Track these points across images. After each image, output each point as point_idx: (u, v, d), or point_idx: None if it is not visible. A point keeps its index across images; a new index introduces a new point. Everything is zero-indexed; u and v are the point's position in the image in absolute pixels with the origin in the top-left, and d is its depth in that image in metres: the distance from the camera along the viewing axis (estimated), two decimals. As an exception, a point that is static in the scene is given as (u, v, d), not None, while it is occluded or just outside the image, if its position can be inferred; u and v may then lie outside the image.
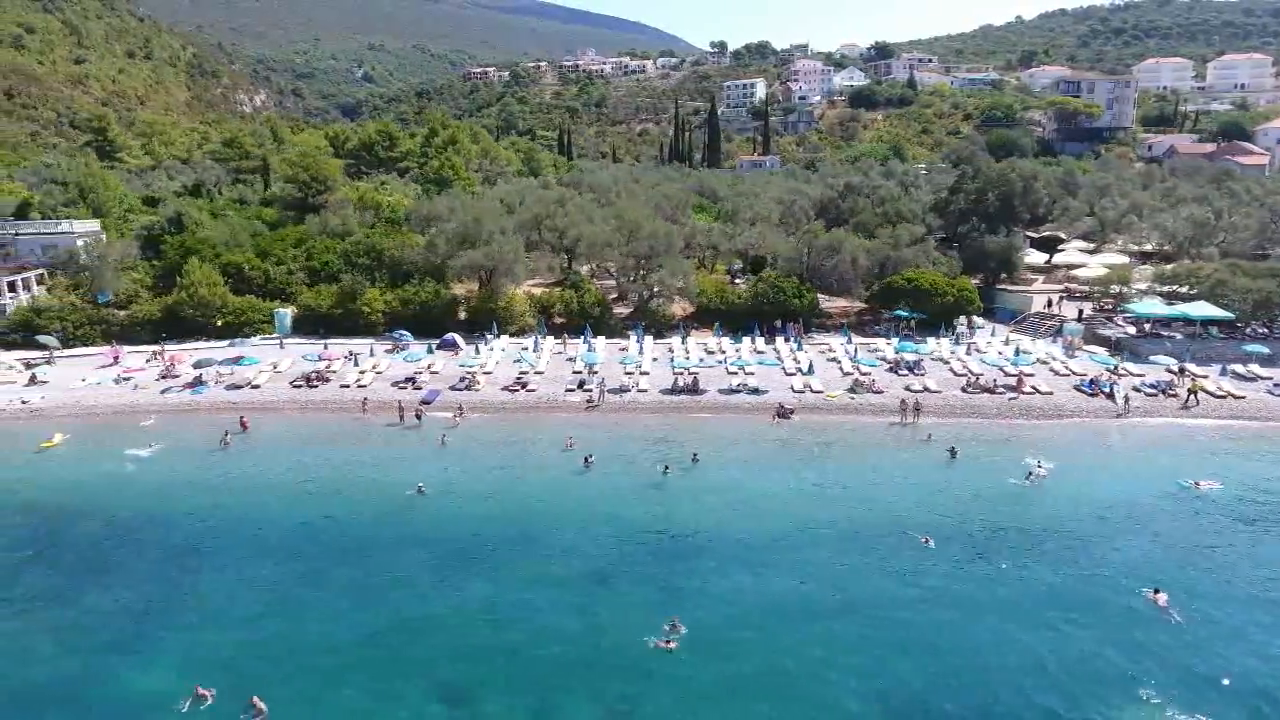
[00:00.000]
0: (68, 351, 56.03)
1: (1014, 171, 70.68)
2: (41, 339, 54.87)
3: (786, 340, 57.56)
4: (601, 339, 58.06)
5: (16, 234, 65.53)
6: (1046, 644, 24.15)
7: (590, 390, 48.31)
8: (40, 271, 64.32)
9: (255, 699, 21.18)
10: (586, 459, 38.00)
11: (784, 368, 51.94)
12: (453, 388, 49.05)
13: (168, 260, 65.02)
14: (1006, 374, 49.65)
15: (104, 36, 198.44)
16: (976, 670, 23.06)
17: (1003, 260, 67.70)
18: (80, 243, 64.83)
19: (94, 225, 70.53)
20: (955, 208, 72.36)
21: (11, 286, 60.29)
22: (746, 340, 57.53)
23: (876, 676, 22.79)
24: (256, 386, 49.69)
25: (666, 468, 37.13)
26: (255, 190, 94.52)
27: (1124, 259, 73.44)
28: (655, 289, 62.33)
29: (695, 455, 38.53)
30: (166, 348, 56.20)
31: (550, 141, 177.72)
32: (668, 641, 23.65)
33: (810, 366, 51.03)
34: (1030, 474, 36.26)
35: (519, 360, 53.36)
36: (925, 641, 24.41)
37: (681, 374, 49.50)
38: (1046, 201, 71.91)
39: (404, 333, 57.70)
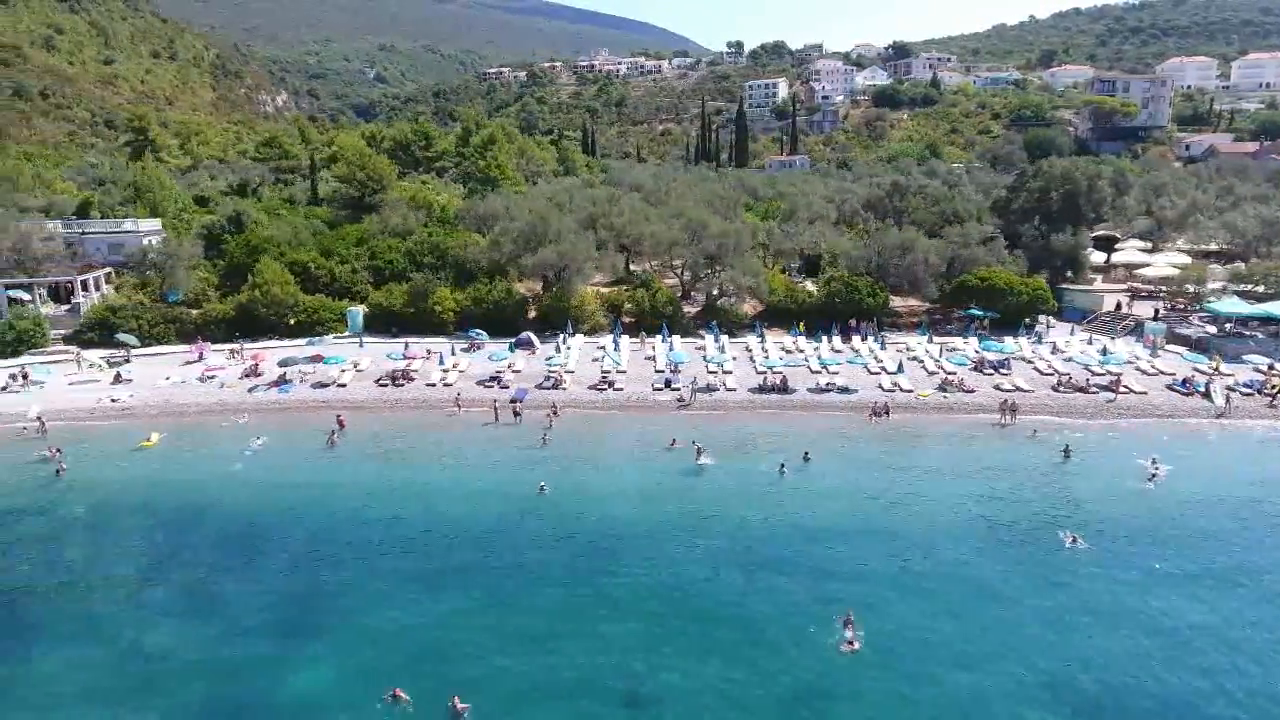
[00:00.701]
0: (144, 350, 55.88)
1: (1079, 170, 70.30)
2: (121, 337, 54.74)
3: (864, 339, 57.30)
4: (676, 338, 57.85)
5: (83, 233, 65.44)
6: (1235, 630, 24.38)
7: (679, 389, 48.12)
8: (108, 270, 64.26)
9: (455, 699, 20.97)
10: (698, 451, 37.98)
11: (868, 367, 51.65)
12: (538, 386, 48.83)
13: (233, 259, 64.93)
14: (1095, 373, 49.37)
15: (130, 37, 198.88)
16: (1172, 655, 23.11)
17: (1069, 259, 67.27)
18: (147, 241, 64.79)
19: (155, 224, 70.49)
20: (1017, 206, 71.93)
21: (84, 286, 60.22)
22: (825, 339, 57.20)
23: (1073, 660, 22.92)
24: (343, 385, 49.54)
25: (783, 466, 36.84)
26: (302, 190, 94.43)
27: (1186, 258, 73.07)
28: (726, 287, 62.00)
29: (806, 454, 38.25)
30: (245, 346, 56.14)
31: (575, 141, 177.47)
32: (851, 642, 23.38)
33: (900, 366, 50.75)
34: (1153, 475, 35.93)
35: (598, 359, 53.17)
36: (1109, 631, 24.51)
37: (767, 373, 49.28)
38: (1109, 201, 71.54)
39: (480, 332, 57.44)
